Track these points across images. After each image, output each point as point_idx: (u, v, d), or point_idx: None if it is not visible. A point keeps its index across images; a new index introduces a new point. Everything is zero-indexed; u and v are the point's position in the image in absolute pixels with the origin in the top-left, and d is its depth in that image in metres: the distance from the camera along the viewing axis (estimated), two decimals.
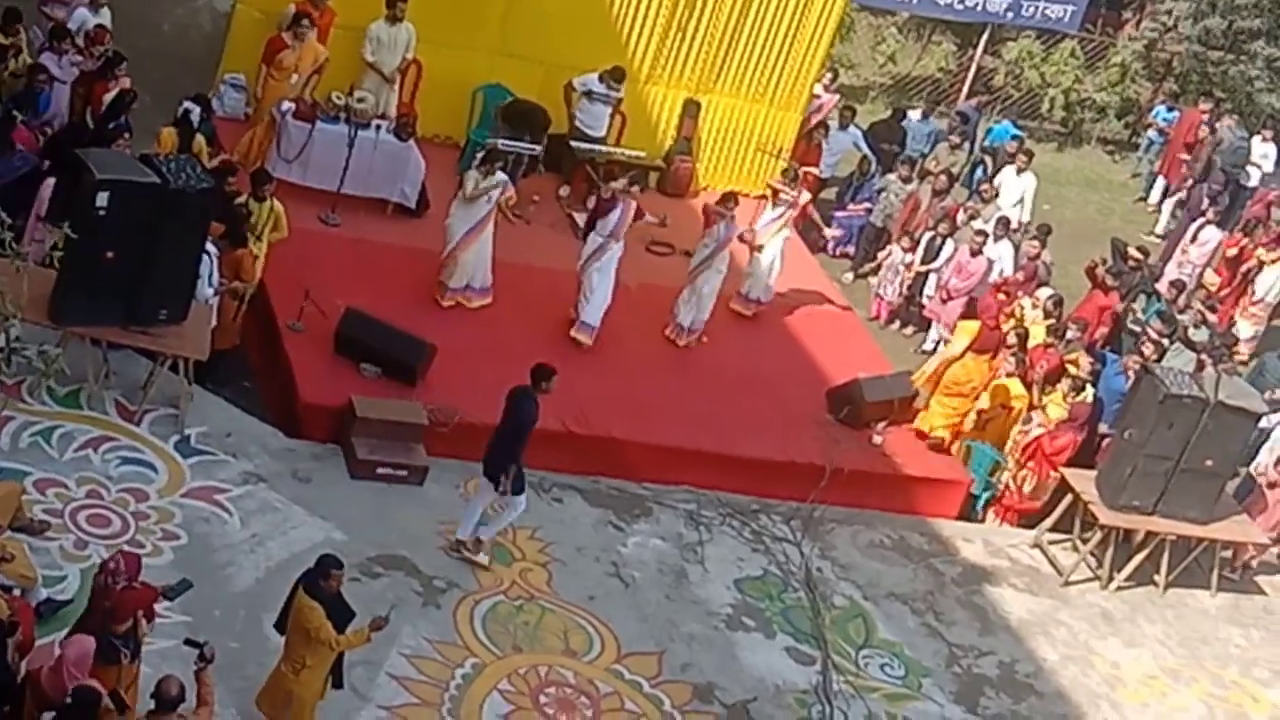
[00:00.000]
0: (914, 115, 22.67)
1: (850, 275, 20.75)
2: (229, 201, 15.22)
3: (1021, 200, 21.04)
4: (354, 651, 11.51)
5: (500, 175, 16.53)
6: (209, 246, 14.35)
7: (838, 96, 22.47)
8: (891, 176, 20.73)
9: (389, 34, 18.11)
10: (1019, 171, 21.29)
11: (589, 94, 19.06)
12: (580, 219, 17.99)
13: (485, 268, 16.71)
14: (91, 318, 13.68)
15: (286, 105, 17.37)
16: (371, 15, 18.08)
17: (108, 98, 16.28)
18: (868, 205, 21.06)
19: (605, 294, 16.68)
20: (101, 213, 13.25)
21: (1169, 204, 24.31)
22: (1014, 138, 22.82)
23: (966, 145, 22.66)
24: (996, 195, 20.80)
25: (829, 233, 20.28)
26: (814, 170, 20.62)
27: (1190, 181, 23.59)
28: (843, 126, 21.53)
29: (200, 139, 16.16)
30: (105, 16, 17.37)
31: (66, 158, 14.19)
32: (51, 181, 14.48)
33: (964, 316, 18.81)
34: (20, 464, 13.11)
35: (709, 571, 14.83)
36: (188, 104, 16.36)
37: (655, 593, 14.37)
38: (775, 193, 18.35)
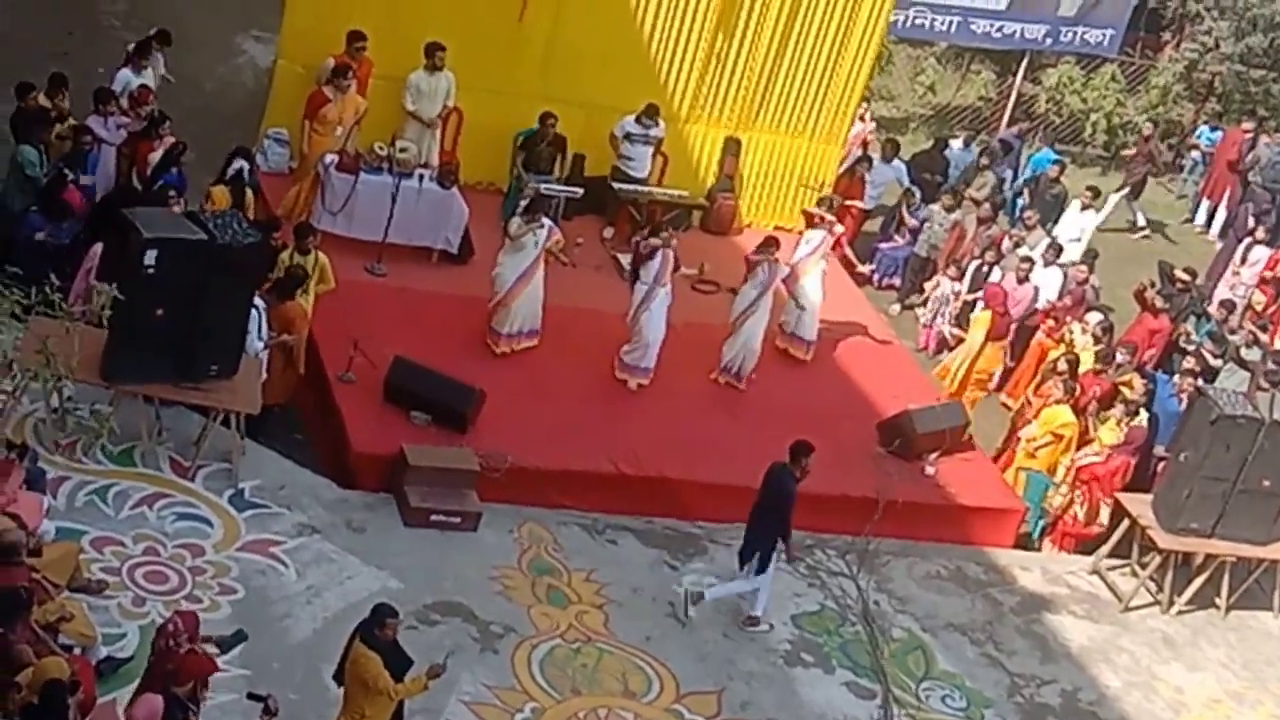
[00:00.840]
0: (956, 145, 22.64)
1: (897, 307, 20.71)
2: (275, 255, 15.34)
3: (1080, 237, 20.92)
4: (413, 700, 11.50)
5: (546, 221, 16.58)
6: (257, 301, 14.43)
7: (872, 125, 22.45)
8: (935, 207, 20.69)
9: (429, 83, 18.22)
10: (1083, 208, 21.22)
11: (628, 136, 19.13)
12: (625, 260, 18.03)
13: (536, 311, 16.76)
14: (143, 375, 13.77)
15: (330, 158, 17.48)
16: (410, 65, 18.20)
17: (153, 157, 16.46)
18: (908, 236, 21.03)
19: (657, 337, 16.70)
20: (150, 271, 13.34)
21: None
22: (1054, 162, 22.76)
23: (1009, 173, 22.61)
24: (1039, 223, 20.71)
25: (861, 269, 20.27)
26: (858, 204, 20.60)
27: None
28: (887, 159, 21.52)
29: (249, 194, 16.31)
30: (148, 77, 17.55)
31: (114, 219, 14.31)
32: (100, 246, 14.61)
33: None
34: (77, 523, 13.18)
35: (766, 608, 14.78)
36: (239, 161, 16.48)
37: (712, 631, 14.33)
38: (811, 219, 18.36)
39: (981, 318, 18.47)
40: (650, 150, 19.36)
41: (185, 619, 10.90)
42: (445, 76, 18.28)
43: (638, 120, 19.07)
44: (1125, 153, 24.95)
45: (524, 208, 16.75)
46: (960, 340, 18.82)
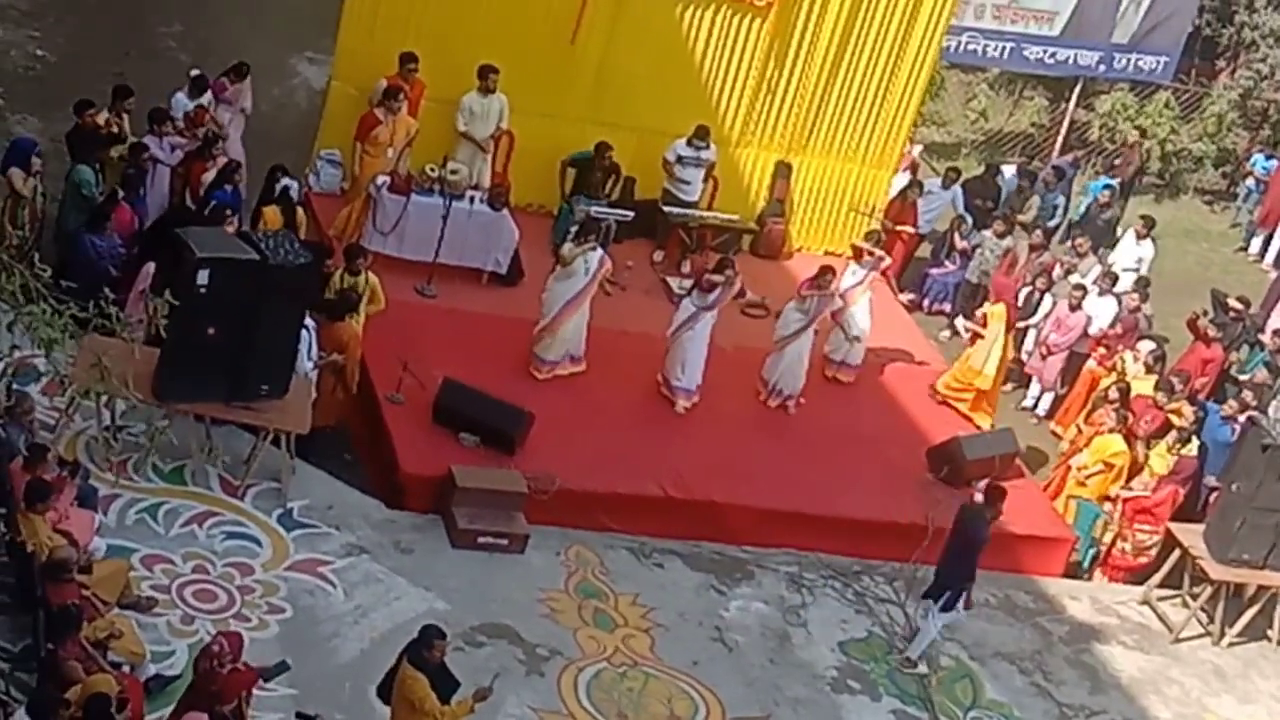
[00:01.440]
0: (1009, 171, 22.57)
1: (947, 333, 20.64)
2: (326, 277, 15.42)
3: (1137, 267, 20.82)
4: None
5: (598, 249, 16.58)
6: (308, 321, 14.50)
7: (919, 149, 22.41)
8: (987, 233, 20.63)
9: (482, 105, 18.28)
10: (1139, 238, 21.13)
11: (679, 159, 19.16)
12: (674, 283, 18.05)
13: (581, 338, 16.78)
14: (194, 394, 13.84)
15: (382, 179, 17.56)
16: (461, 87, 18.27)
17: (207, 177, 16.57)
18: (960, 261, 20.96)
19: (700, 359, 16.71)
20: (203, 290, 13.43)
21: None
22: (1105, 187, 22.64)
23: (1061, 199, 22.52)
24: (1091, 250, 20.61)
25: (901, 297, 20.22)
26: (908, 229, 20.55)
27: None
28: (945, 185, 21.46)
29: (301, 213, 16.41)
30: (205, 98, 17.68)
31: (167, 238, 14.41)
32: (152, 265, 14.71)
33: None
34: (127, 541, 13.26)
35: (812, 634, 14.75)
36: (284, 179, 16.59)
37: (759, 656, 14.30)
38: (859, 252, 18.33)
39: (996, 311, 18.37)
40: (701, 173, 19.38)
41: (230, 639, 10.95)
42: (498, 99, 18.35)
43: (688, 143, 19.09)
44: (1117, 161, 24.86)
45: (576, 231, 16.79)
46: (977, 336, 18.61)
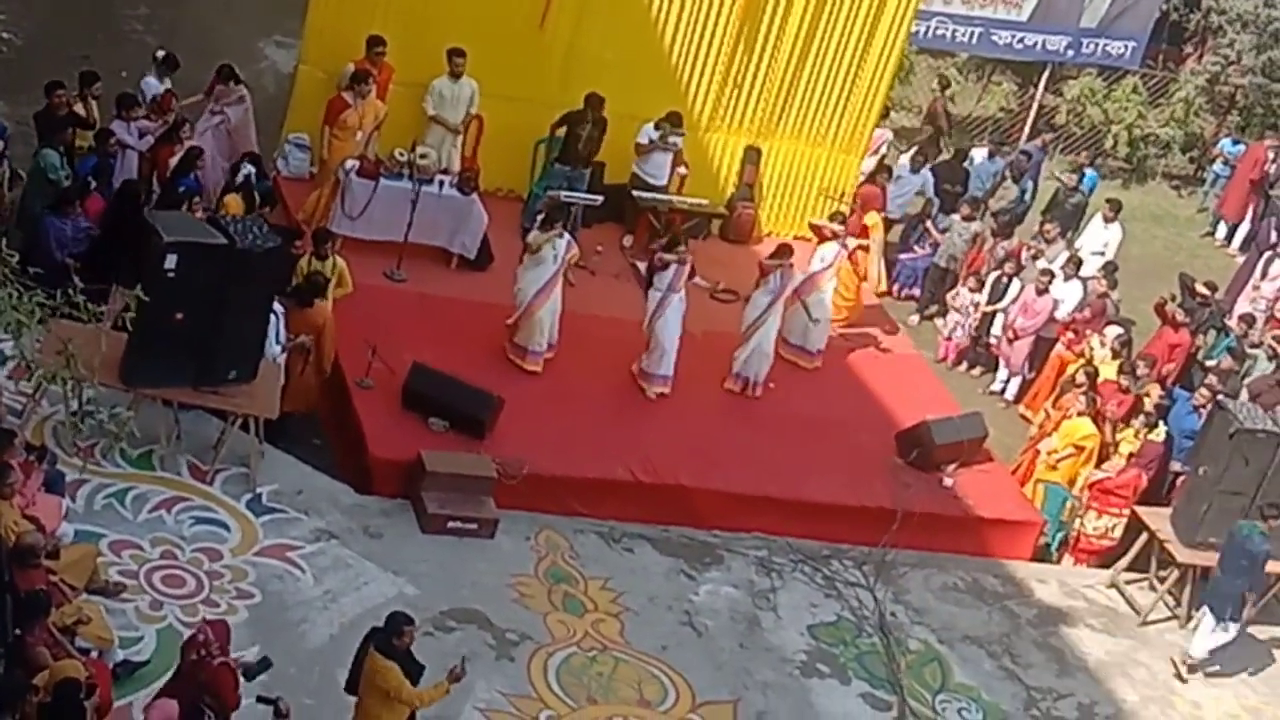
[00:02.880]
0: (979, 155, 22.61)
1: (916, 317, 20.70)
2: (294, 262, 15.38)
3: (1104, 251, 20.88)
4: (429, 707, 11.52)
5: (565, 235, 16.56)
6: (276, 306, 14.46)
7: (889, 133, 22.44)
8: (955, 217, 20.67)
9: (451, 90, 18.24)
10: (1106, 222, 21.19)
11: (651, 143, 19.14)
12: (644, 267, 18.02)
13: (555, 324, 16.77)
14: (162, 379, 13.81)
15: (350, 163, 17.52)
16: (429, 71, 18.22)
17: (174, 162, 16.50)
18: (930, 248, 21.01)
19: (672, 343, 16.73)
20: (170, 275, 13.38)
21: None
22: (1074, 171, 22.51)
23: (1029, 184, 22.57)
24: (1059, 236, 20.67)
25: (880, 287, 20.23)
26: (876, 214, 20.55)
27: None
28: (915, 169, 21.48)
29: (257, 199, 16.31)
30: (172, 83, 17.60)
31: (129, 219, 14.34)
32: None
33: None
34: (95, 526, 13.23)
35: (782, 618, 14.79)
36: (246, 167, 16.53)
37: (728, 641, 14.34)
38: (819, 231, 18.36)
39: (873, 219, 19.20)
40: (669, 158, 19.37)
41: (215, 629, 10.93)
42: (468, 83, 18.30)
43: (657, 126, 19.08)
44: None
45: (542, 219, 16.75)
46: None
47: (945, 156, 22.46)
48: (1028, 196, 22.73)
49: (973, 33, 24.62)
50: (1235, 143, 25.66)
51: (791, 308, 17.77)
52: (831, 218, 18.70)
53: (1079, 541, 16.91)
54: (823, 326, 18.06)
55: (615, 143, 19.21)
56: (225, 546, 13.54)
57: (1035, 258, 19.93)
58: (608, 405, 16.55)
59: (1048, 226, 20.94)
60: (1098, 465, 16.91)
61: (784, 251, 17.38)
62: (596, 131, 18.69)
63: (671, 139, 19.13)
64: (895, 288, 21.05)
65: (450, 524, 14.46)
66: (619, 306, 17.58)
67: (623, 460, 15.66)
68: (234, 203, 16.08)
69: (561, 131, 18.71)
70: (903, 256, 21.22)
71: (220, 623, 11.17)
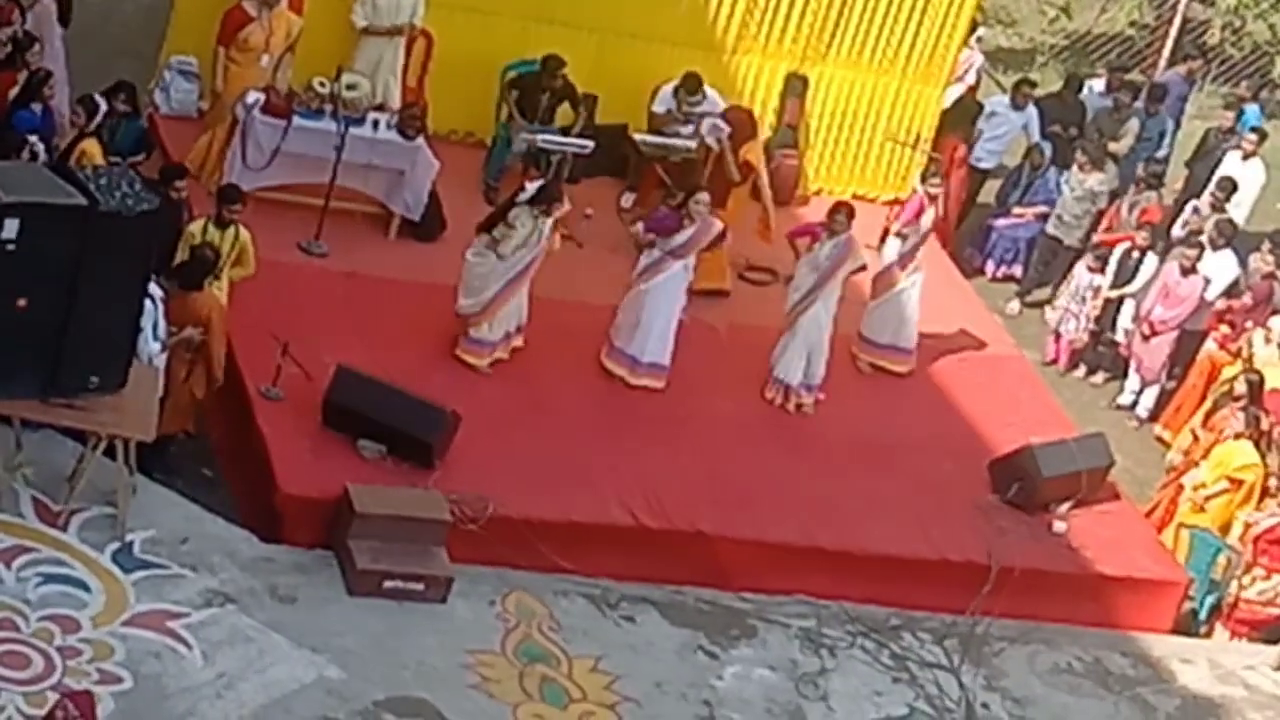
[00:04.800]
0: (1096, 86, 22.64)
1: (1017, 305, 20.74)
2: (178, 226, 15.42)
3: (1241, 198, 20.93)
4: None
5: (550, 217, 16.57)
6: (153, 289, 14.49)
7: (980, 57, 22.48)
8: (1073, 170, 20.69)
9: None
10: (1245, 157, 21.23)
11: (669, 113, 19.20)
12: (642, 230, 18.06)
13: (522, 309, 16.82)
14: None
15: (254, 97, 17.56)
16: None
17: (15, 92, 16.54)
18: (1042, 209, 21.05)
19: (668, 323, 16.82)
20: (10, 247, 13.39)
21: None
22: (1253, 129, 22.47)
23: (1170, 125, 22.60)
24: (1229, 196, 20.56)
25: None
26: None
27: None
28: (1017, 105, 21.49)
29: (93, 144, 16.25)
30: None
31: None
32: None
33: None
34: None
35: (835, 710, 14.83)
36: (104, 103, 16.52)
37: None
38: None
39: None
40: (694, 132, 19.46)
41: (78, 701, 10.94)
42: None
43: (674, 93, 19.12)
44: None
45: (531, 194, 16.67)
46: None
47: (1055, 88, 22.50)
48: (1167, 142, 22.73)
49: None
50: None
51: (878, 299, 17.89)
52: (924, 176, 18.68)
53: (1237, 608, 16.93)
54: (911, 322, 18.16)
55: (611, 71, 19.27)
56: (84, 614, 13.55)
57: (1192, 236, 19.74)
58: (599, 423, 16.59)
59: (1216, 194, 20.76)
60: (1260, 505, 16.93)
61: (839, 213, 17.36)
62: (555, 102, 18.80)
63: (688, 108, 19.13)
64: (990, 265, 21.09)
65: (387, 583, 14.49)
66: (613, 290, 17.58)
67: (621, 498, 15.70)
68: (93, 150, 16.10)
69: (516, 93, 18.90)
70: (998, 223, 21.29)
71: (84, 694, 11.19)
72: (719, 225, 16.90)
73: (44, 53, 17.36)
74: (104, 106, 16.49)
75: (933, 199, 18.17)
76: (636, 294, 16.86)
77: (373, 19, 18.35)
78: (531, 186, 16.76)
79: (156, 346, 14.69)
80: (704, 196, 16.91)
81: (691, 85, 19.16)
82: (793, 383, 17.36)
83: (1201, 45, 26.29)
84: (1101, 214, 20.54)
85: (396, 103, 18.44)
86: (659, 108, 19.28)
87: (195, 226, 15.68)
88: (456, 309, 16.63)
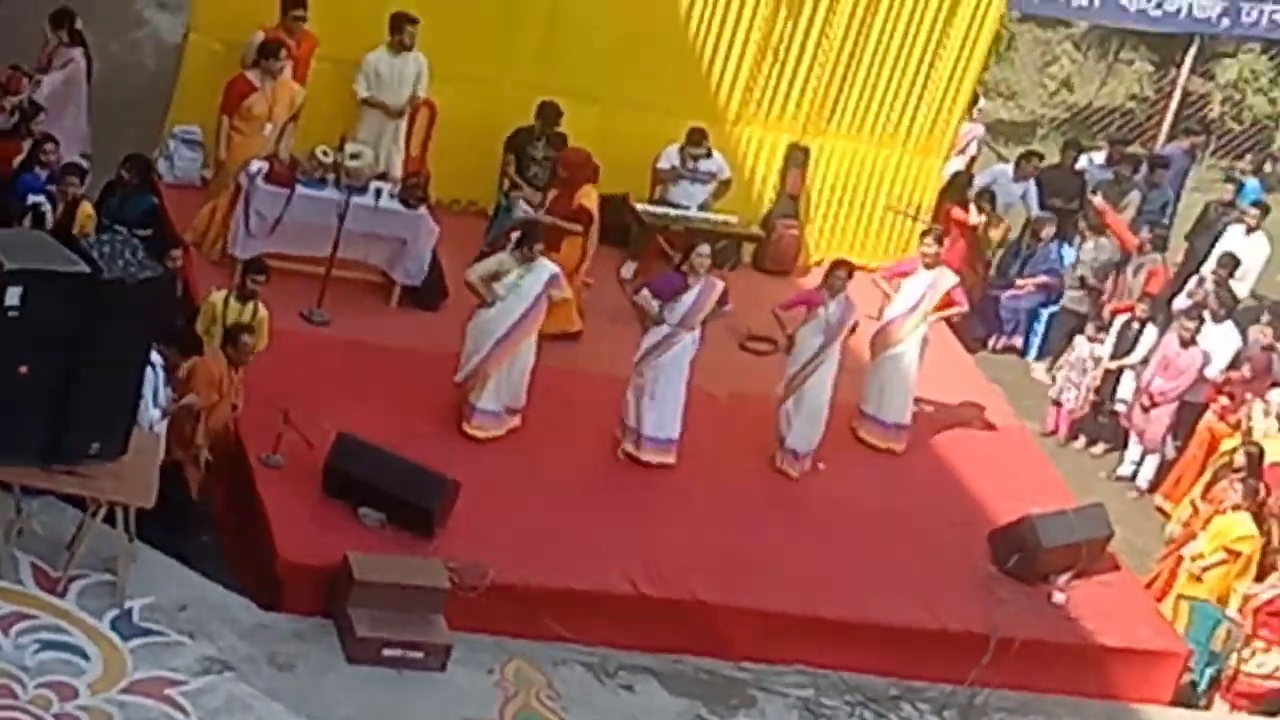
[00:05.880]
0: (1097, 158, 22.69)
1: (1042, 369, 20.72)
2: (175, 293, 15.45)
3: (1244, 277, 20.96)
4: None
5: (548, 265, 16.61)
6: (154, 355, 14.51)
7: (980, 129, 22.53)
8: (1102, 239, 20.75)
9: (392, 66, 18.38)
10: (1248, 231, 21.27)
11: (673, 170, 19.26)
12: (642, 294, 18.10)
13: (521, 385, 16.81)
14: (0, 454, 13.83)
15: (257, 166, 17.61)
16: (365, 44, 18.38)
17: (19, 159, 16.60)
18: (1043, 280, 21.09)
19: (677, 399, 16.81)
20: (12, 314, 13.40)
21: None
22: (1255, 203, 22.50)
23: (1171, 195, 22.63)
24: (1232, 272, 20.58)
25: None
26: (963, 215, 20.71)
27: None
28: (1020, 177, 21.55)
29: (87, 206, 16.29)
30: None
31: None
32: None
33: None
34: None
35: None
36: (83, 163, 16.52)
37: None
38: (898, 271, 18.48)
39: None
40: (702, 189, 19.51)
41: None
42: (415, 59, 18.46)
43: (680, 150, 19.18)
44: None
45: (516, 239, 16.77)
46: None
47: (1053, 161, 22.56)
48: (1168, 214, 22.77)
49: None
50: None
51: (866, 368, 17.90)
52: (924, 236, 18.70)
53: (1236, 680, 16.88)
54: (904, 391, 18.13)
55: (613, 140, 19.31)
56: (82, 680, 13.51)
57: (1197, 310, 19.74)
58: (599, 492, 16.58)
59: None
60: (1259, 577, 16.91)
61: (838, 272, 17.35)
62: (552, 152, 18.84)
63: (693, 164, 19.20)
64: (992, 334, 21.10)
65: (386, 651, 14.46)
66: (615, 360, 17.59)
67: (620, 566, 15.68)
68: (86, 214, 16.11)
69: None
70: (1002, 294, 21.26)
71: None
72: (720, 285, 16.88)
73: (73, 111, 17.47)
74: (87, 168, 16.52)
75: (929, 263, 18.18)
76: (646, 371, 16.80)
77: (375, 90, 18.40)
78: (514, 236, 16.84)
79: (157, 413, 14.71)
80: (704, 249, 16.87)
81: (696, 138, 19.28)
82: (799, 449, 17.32)
83: (1202, 119, 26.37)
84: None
85: (399, 172, 18.50)
86: (663, 164, 19.39)
87: (217, 298, 15.75)
88: (455, 379, 16.66)
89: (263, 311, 15.93)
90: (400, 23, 18.32)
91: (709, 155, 19.44)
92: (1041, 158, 21.88)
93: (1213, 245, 21.60)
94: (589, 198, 18.13)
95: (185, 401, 15.07)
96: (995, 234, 21.20)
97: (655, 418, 16.85)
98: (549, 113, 18.79)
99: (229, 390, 15.40)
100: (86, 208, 16.21)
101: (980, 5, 20.26)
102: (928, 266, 18.14)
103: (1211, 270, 20.48)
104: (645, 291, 16.94)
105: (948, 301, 18.40)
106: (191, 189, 18.50)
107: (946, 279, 18.24)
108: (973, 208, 21.08)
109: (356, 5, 18.49)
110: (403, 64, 18.44)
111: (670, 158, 19.37)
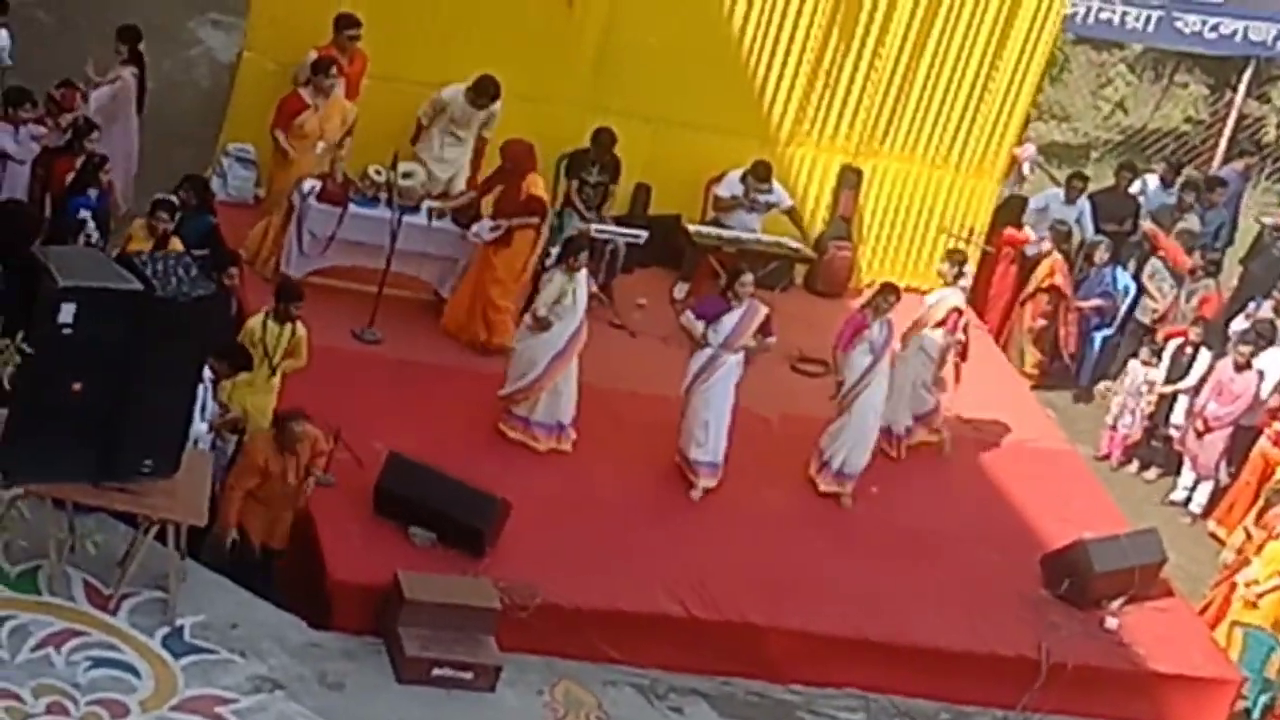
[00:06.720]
0: (1151, 181, 22.63)
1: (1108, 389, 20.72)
2: (229, 311, 15.48)
3: None
4: None
5: (585, 273, 16.69)
6: (205, 373, 14.55)
7: (1032, 150, 22.48)
8: (1159, 263, 20.72)
9: (465, 111, 18.30)
10: None
11: (734, 199, 19.27)
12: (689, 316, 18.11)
13: (571, 401, 16.85)
14: (53, 471, 13.81)
15: (309, 185, 17.66)
16: (414, 60, 18.50)
17: (71, 177, 16.67)
18: (1098, 303, 21.05)
19: (723, 421, 16.79)
20: (66, 331, 13.42)
21: None
22: None
23: (1226, 217, 22.56)
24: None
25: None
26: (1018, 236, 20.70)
27: None
28: (1069, 200, 21.52)
29: (177, 242, 16.32)
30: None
31: (13, 253, 14.44)
32: None
33: None
34: None
35: None
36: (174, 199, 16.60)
37: None
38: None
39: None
40: (759, 219, 19.48)
41: None
42: (489, 111, 18.45)
43: (742, 180, 19.20)
44: None
45: (558, 254, 16.81)
46: None
47: (1108, 182, 22.50)
48: (1224, 236, 22.71)
49: (1149, 17, 24.67)
50: None
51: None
52: (948, 256, 18.68)
53: None
54: (905, 401, 18.07)
55: (665, 161, 19.31)
56: (133, 698, 13.54)
57: (1257, 334, 19.71)
58: (649, 513, 16.57)
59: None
60: None
61: (886, 295, 17.31)
62: (606, 178, 18.90)
63: (755, 196, 19.21)
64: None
65: (436, 671, 14.47)
66: (666, 381, 17.56)
67: (670, 588, 15.66)
68: (140, 232, 16.16)
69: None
70: None
71: None
72: (764, 311, 16.85)
73: (120, 129, 17.54)
74: (178, 205, 16.58)
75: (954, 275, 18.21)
76: (694, 398, 16.78)
77: (436, 122, 18.41)
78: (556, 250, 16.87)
79: (204, 427, 14.76)
80: (748, 278, 16.86)
81: (761, 173, 19.27)
82: (839, 468, 17.28)
83: (1257, 141, 26.29)
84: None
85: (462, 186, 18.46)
86: (724, 192, 19.36)
87: (255, 322, 15.73)
88: (500, 393, 16.69)
89: (301, 331, 15.91)
90: (487, 88, 18.15)
91: (770, 189, 19.42)
92: (1087, 180, 21.81)
93: (1268, 269, 21.58)
94: (537, 186, 18.01)
95: (231, 415, 15.10)
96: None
97: (706, 442, 16.83)
98: (604, 138, 18.82)
99: (280, 473, 15.28)
100: (176, 244, 16.20)
101: (1035, 27, 20.22)
102: (953, 280, 18.17)
103: (1273, 299, 20.34)
104: (689, 314, 16.95)
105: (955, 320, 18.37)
106: (245, 207, 18.54)
107: (953, 297, 18.21)
108: (1028, 229, 21.04)
109: (406, 24, 18.49)
110: (475, 111, 18.40)
111: (732, 186, 19.33)
